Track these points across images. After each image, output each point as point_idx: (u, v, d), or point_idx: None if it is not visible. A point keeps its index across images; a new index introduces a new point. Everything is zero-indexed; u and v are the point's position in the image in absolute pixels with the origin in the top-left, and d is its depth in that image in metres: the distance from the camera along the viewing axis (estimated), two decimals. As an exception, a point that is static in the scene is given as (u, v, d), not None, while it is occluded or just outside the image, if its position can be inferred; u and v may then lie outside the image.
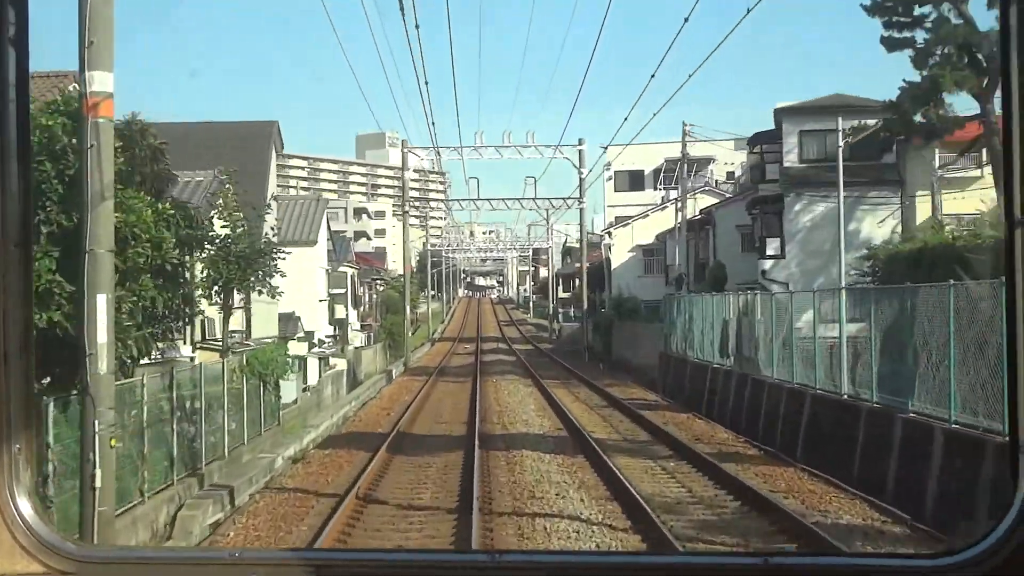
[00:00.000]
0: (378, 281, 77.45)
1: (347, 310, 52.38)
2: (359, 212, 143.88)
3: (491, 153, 59.06)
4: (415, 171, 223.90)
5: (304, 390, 39.83)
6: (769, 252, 43.97)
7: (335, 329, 51.03)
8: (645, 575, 2.71)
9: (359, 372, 52.62)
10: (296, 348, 41.76)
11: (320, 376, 43.84)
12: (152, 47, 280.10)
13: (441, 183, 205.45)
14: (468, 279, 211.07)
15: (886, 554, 10.48)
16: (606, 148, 70.49)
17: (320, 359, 44.24)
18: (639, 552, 12.42)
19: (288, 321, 40.97)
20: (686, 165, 45.57)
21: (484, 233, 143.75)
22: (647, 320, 49.93)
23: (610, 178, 75.19)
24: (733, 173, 72.94)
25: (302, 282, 42.55)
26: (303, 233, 42.83)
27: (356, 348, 55.30)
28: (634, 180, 76.18)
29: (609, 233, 63.62)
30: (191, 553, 5.89)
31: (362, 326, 61.19)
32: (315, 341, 44.35)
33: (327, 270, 46.48)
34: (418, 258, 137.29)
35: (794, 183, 43.45)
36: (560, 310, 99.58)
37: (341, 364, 48.51)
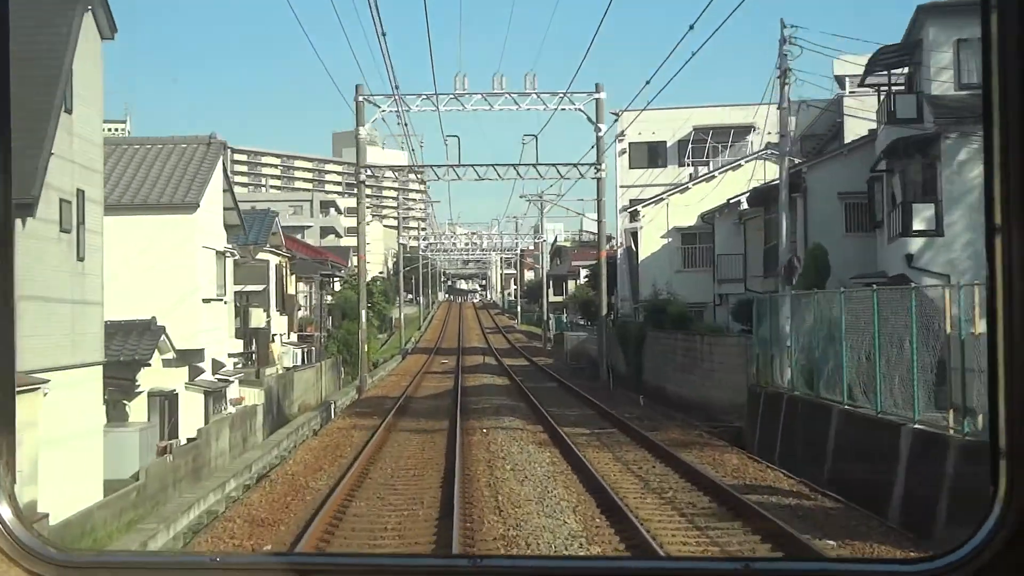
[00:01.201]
0: (336, 279, 60.33)
1: (268, 316, 35.34)
2: (327, 206, 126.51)
3: (476, 102, 42.14)
4: (392, 169, 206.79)
5: (164, 452, 22.86)
6: (917, 226, 27.20)
7: (250, 344, 33.93)
8: None
9: (289, 404, 35.62)
10: (164, 377, 24.78)
11: (208, 420, 26.97)
12: (127, 51, 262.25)
13: (420, 182, 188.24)
14: (449, 282, 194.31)
15: (868, 559, 11.20)
16: (618, 115, 53.95)
17: (207, 394, 27.20)
18: (621, 556, 11.99)
19: (142, 334, 23.93)
20: (787, 86, 28.30)
21: (466, 235, 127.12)
22: (713, 331, 32.97)
23: (623, 151, 58.20)
24: (771, 145, 55.91)
25: (169, 270, 25.55)
26: (174, 193, 25.78)
27: (287, 370, 38.18)
28: (653, 154, 59.18)
29: (635, 213, 46.51)
30: (172, 558, 5.20)
31: (300, 337, 44.14)
32: (201, 365, 27.24)
33: (227, 254, 29.38)
34: (394, 259, 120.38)
35: (955, 119, 26.75)
36: (551, 315, 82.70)
37: (256, 396, 31.58)
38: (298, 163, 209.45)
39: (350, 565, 2.76)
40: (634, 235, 47.14)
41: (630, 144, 58.36)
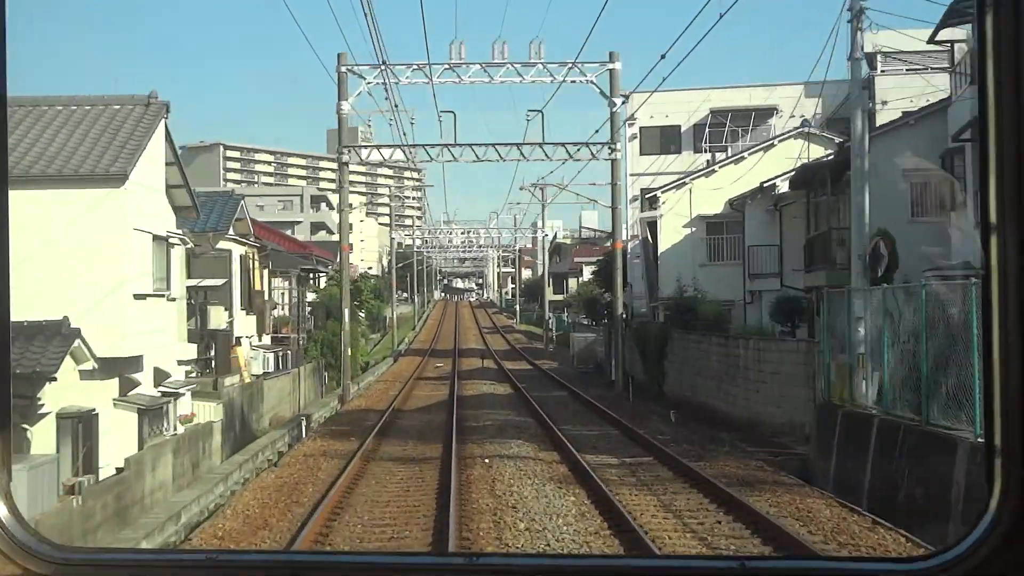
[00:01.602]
0: (321, 275, 54.83)
1: (231, 315, 29.67)
2: (318, 200, 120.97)
3: (475, 73, 36.73)
4: (388, 166, 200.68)
5: (71, 492, 17.43)
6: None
7: (207, 348, 28.41)
8: None
9: (258, 419, 30.25)
10: (84, 393, 19.35)
11: (143, 445, 21.60)
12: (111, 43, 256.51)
13: (415, 169, 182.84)
14: (445, 281, 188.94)
15: (863, 558, 11.34)
16: (627, 97, 48.59)
17: (142, 412, 21.76)
18: (617, 555, 11.60)
19: (49, 339, 18.43)
20: (860, 31, 22.47)
21: (463, 230, 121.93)
22: (759, 333, 27.43)
23: (634, 136, 52.70)
24: (808, 122, 50.70)
25: (88, 258, 20.04)
26: (96, 162, 20.25)
27: (256, 378, 32.67)
28: (667, 139, 53.75)
29: (654, 199, 40.92)
30: (168, 555, 5.16)
31: (275, 340, 38.62)
32: (136, 377, 21.70)
33: (174, 240, 23.81)
34: (388, 257, 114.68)
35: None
36: (550, 314, 77.23)
37: (213, 411, 26.20)
38: (292, 160, 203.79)
39: (347, 563, 2.70)
40: (651, 225, 41.64)
41: (641, 129, 52.93)
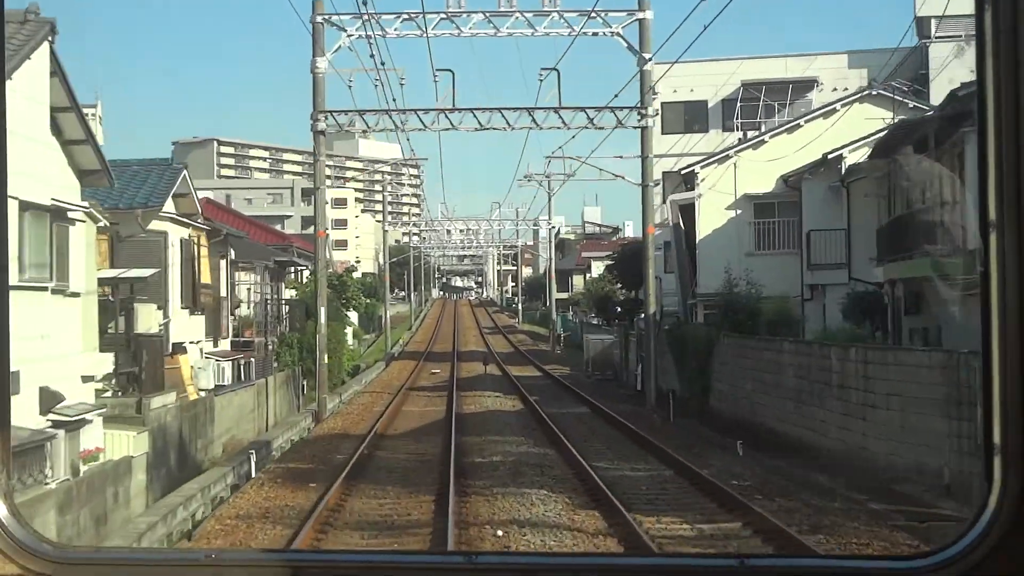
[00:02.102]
0: (305, 270, 48.26)
1: (166, 316, 22.86)
2: (310, 194, 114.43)
3: (477, 25, 30.16)
4: (381, 161, 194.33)
5: None
6: None
7: (135, 358, 21.73)
8: None
9: (206, 445, 23.71)
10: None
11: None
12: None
13: (414, 173, 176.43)
14: (444, 279, 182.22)
15: (861, 556, 10.70)
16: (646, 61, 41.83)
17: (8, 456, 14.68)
18: (614, 554, 11.14)
19: None
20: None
21: (463, 222, 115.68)
22: (855, 339, 20.65)
23: (655, 113, 46.01)
24: (876, 83, 44.23)
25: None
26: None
27: (208, 393, 25.97)
28: (691, 116, 47.25)
29: (690, 178, 34.11)
30: (167, 554, 5.14)
31: (237, 345, 31.97)
32: None
33: (61, 212, 17.04)
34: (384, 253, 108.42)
35: None
36: (555, 314, 70.65)
37: (133, 442, 19.62)
38: (287, 155, 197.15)
39: (346, 563, 2.65)
40: (684, 209, 34.97)
41: (663, 104, 46.25)
